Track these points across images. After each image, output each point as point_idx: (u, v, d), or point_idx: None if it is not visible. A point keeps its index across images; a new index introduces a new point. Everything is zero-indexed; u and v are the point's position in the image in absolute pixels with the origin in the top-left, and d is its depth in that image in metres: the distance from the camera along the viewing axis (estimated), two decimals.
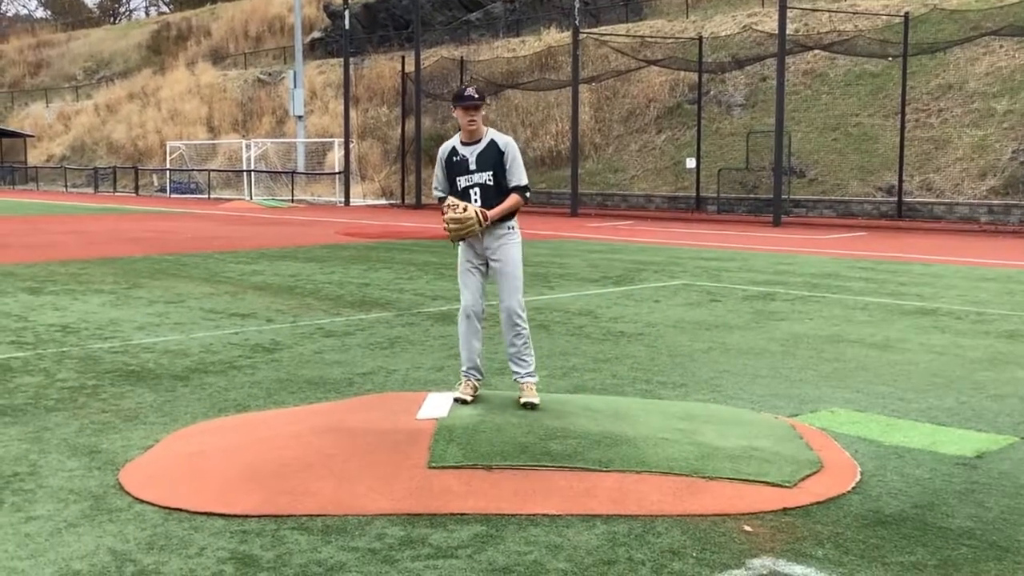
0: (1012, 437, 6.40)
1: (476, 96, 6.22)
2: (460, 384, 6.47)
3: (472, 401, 6.31)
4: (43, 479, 5.56)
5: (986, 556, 4.50)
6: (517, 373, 6.42)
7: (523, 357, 6.39)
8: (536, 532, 4.75)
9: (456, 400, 6.30)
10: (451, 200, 6.21)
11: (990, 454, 6.03)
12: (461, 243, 6.39)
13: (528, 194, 6.39)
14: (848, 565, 4.38)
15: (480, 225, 6.16)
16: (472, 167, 6.25)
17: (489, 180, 6.24)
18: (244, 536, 4.72)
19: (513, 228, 6.38)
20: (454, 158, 6.33)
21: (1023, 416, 6.94)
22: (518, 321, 6.35)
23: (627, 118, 37.93)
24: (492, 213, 6.20)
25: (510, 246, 6.34)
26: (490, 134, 6.35)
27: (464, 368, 6.45)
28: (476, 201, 6.23)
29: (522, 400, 6.26)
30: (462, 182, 6.27)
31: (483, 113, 6.30)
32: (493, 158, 6.27)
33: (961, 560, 4.45)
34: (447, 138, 6.64)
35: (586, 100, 37.07)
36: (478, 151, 6.27)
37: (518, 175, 6.31)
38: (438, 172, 6.44)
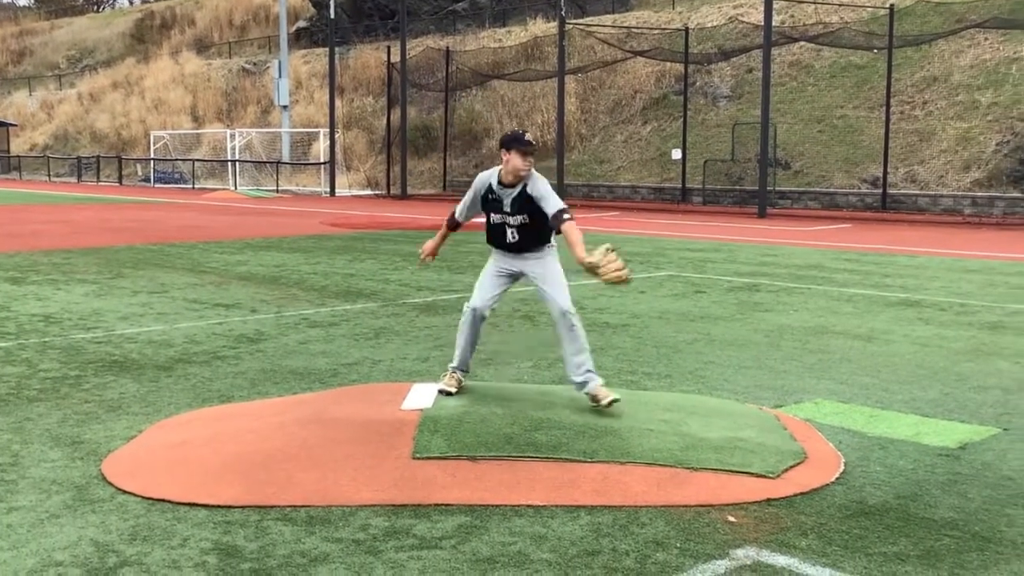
0: (994, 428, 6.43)
1: (534, 142, 6.26)
2: (445, 376, 6.46)
3: (456, 393, 6.31)
4: (25, 470, 5.53)
5: (968, 547, 4.52)
6: (583, 385, 6.18)
7: (586, 362, 6.23)
8: (520, 523, 4.76)
9: (441, 392, 6.29)
10: (606, 257, 5.93)
11: (973, 445, 6.06)
12: (495, 251, 6.41)
13: (566, 215, 6.11)
14: (831, 555, 4.40)
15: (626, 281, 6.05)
16: (506, 208, 6.23)
17: (525, 220, 6.22)
18: (227, 527, 4.70)
19: (552, 245, 6.36)
20: (490, 195, 6.29)
21: (1005, 407, 6.98)
22: (574, 321, 6.24)
23: (613, 109, 37.92)
24: (580, 255, 5.96)
25: (552, 260, 6.33)
26: (526, 178, 6.23)
27: (454, 364, 6.44)
28: (513, 238, 6.23)
29: (605, 402, 6.07)
30: (496, 218, 6.29)
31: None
32: (525, 202, 6.18)
33: (944, 550, 4.47)
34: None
35: (572, 91, 37.04)
36: (513, 195, 6.20)
37: (554, 202, 6.13)
38: (468, 199, 6.43)
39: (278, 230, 21.98)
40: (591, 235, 20.76)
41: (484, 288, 6.39)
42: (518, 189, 6.21)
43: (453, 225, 6.67)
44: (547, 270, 6.31)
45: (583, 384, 6.20)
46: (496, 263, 6.42)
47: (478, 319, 6.37)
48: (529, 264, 6.32)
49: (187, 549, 4.45)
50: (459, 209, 6.54)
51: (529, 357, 8.56)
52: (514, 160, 6.14)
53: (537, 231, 6.24)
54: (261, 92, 51.33)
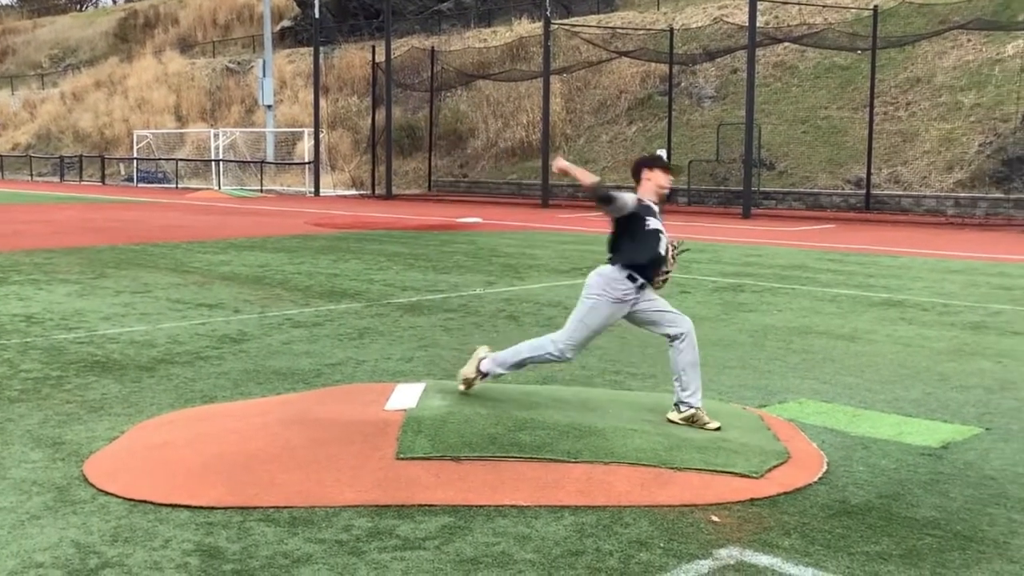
0: (976, 428, 6.46)
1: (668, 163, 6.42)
2: (471, 364, 6.17)
3: (466, 391, 6.18)
4: (6, 471, 5.50)
5: (950, 546, 4.54)
6: (688, 406, 6.14)
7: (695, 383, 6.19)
8: (504, 523, 4.75)
9: (464, 382, 6.12)
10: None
11: (955, 445, 6.08)
12: (616, 304, 6.08)
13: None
14: (814, 555, 4.40)
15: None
16: (660, 220, 6.28)
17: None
18: (210, 528, 4.68)
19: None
20: (644, 202, 6.17)
21: (987, 407, 7.01)
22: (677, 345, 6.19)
23: (598, 109, 37.95)
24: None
25: (652, 292, 6.25)
26: None
27: (489, 370, 6.16)
28: (668, 248, 6.24)
29: (711, 426, 6.05)
30: (652, 223, 6.13)
31: None
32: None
33: (926, 550, 4.49)
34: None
35: (557, 91, 37.05)
36: (658, 210, 6.29)
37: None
38: (632, 196, 6.15)
39: (262, 230, 21.92)
40: (575, 235, 20.78)
41: (590, 336, 6.17)
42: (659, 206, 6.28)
43: (604, 197, 6.05)
44: (655, 297, 6.23)
45: (688, 407, 6.12)
46: (615, 313, 6.11)
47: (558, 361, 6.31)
48: (644, 300, 6.16)
49: (169, 550, 4.42)
50: (627, 199, 6.08)
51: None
52: (658, 178, 6.21)
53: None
54: (245, 91, 51.17)
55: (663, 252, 6.14)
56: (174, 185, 45.06)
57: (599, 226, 23.65)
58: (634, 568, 4.26)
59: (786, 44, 33.37)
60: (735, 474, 5.36)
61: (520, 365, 6.23)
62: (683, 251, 6.51)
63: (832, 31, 31.81)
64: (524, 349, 6.18)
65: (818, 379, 7.82)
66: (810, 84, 33.55)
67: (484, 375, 6.18)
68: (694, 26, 37.23)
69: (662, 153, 32.63)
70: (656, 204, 6.24)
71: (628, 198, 6.08)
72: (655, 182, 6.23)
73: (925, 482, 5.39)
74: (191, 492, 5.10)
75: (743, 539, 4.58)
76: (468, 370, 6.19)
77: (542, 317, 10.66)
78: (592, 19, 41.63)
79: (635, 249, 6.08)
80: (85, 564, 4.27)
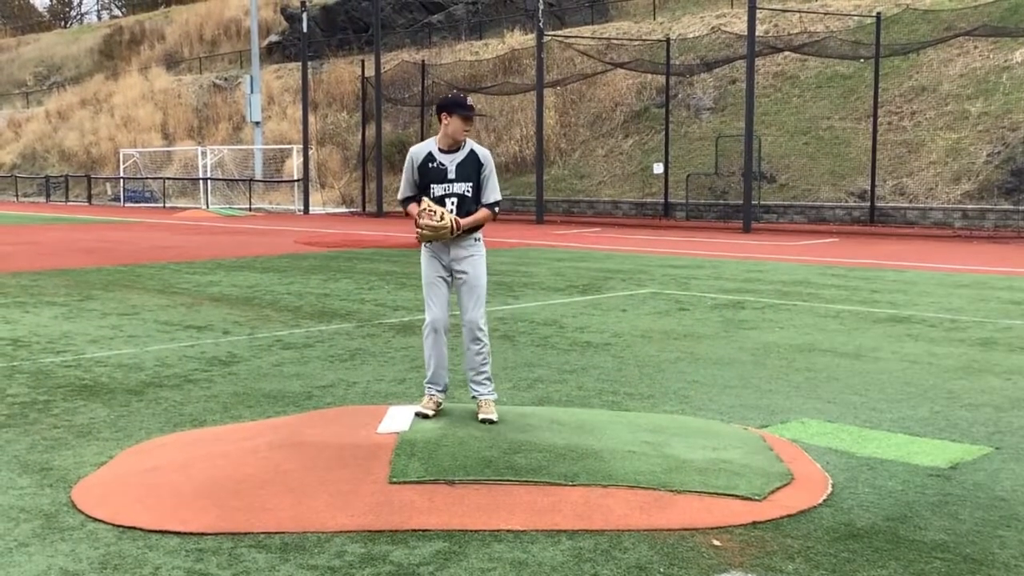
0: (986, 447, 6.35)
1: (474, 107, 6.24)
2: (423, 398, 6.34)
3: (434, 415, 6.18)
4: None
5: (959, 569, 4.43)
6: (477, 392, 6.28)
7: (483, 374, 6.28)
8: (500, 548, 4.65)
9: (418, 414, 6.16)
10: (429, 205, 6.10)
11: (964, 465, 5.97)
12: (425, 254, 6.28)
13: (497, 209, 6.32)
14: None
15: (452, 234, 6.09)
16: (451, 176, 6.15)
17: (468, 191, 6.16)
18: (200, 554, 4.59)
19: (479, 240, 6.29)
20: (430, 164, 6.20)
21: (997, 426, 6.90)
22: (480, 336, 6.25)
23: (593, 122, 37.93)
24: (464, 222, 6.12)
25: (476, 259, 6.26)
26: (469, 144, 6.25)
27: (428, 382, 6.34)
28: (452, 211, 6.12)
29: (480, 417, 6.14)
30: (438, 190, 6.16)
31: None
32: (473, 169, 6.18)
33: (934, 573, 4.38)
34: (408, 144, 6.52)
35: (551, 104, 37.06)
36: (458, 160, 6.17)
37: (491, 189, 6.24)
38: (408, 176, 6.29)
39: (251, 249, 21.83)
40: (571, 252, 20.69)
41: (434, 299, 6.25)
42: (464, 153, 6.18)
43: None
44: (473, 271, 6.24)
45: (480, 394, 6.25)
46: (430, 267, 6.28)
47: (441, 331, 6.27)
48: (458, 255, 6.23)
49: None
50: (404, 189, 6.34)
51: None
52: (455, 123, 6.12)
53: (473, 206, 6.19)
54: (233, 108, 51.11)
55: (450, 211, 6.14)
56: (161, 204, 45.00)
57: (595, 241, 23.60)
58: None
59: (786, 53, 33.24)
60: (737, 497, 5.25)
61: (436, 358, 6.31)
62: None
63: (834, 39, 31.71)
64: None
65: (822, 398, 7.71)
66: (811, 94, 33.46)
67: (432, 390, 6.30)
68: (691, 36, 37.26)
69: (658, 168, 32.63)
70: (457, 148, 6.16)
71: (404, 189, 6.32)
72: (452, 127, 6.14)
73: (933, 504, 5.28)
74: (181, 518, 5.02)
75: (745, 563, 4.48)
76: (423, 404, 6.27)
77: (537, 336, 10.55)
78: (586, 30, 41.67)
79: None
80: None
